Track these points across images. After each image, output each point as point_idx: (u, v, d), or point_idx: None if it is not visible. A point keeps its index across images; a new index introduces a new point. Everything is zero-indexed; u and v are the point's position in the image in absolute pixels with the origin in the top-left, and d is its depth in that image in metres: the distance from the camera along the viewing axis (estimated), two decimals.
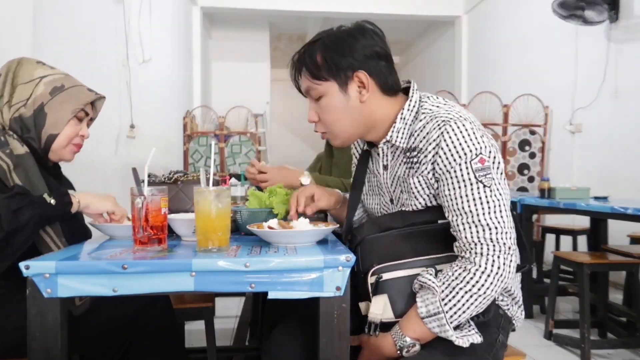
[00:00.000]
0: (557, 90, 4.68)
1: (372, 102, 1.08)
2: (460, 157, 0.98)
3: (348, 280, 0.93)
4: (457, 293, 0.97)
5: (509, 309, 1.13)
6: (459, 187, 0.99)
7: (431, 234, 1.07)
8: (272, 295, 0.92)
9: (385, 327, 1.03)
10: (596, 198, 2.90)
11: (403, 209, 1.12)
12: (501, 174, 1.02)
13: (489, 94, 5.23)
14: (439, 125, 1.01)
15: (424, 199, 1.07)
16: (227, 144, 5.65)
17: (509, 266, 0.98)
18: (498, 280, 0.97)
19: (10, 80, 1.24)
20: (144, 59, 4.08)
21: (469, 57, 6.54)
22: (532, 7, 5.01)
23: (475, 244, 0.97)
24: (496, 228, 0.97)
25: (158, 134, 4.57)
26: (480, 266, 0.96)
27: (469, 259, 0.98)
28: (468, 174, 0.98)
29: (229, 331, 2.77)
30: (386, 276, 1.04)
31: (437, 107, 1.07)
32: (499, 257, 0.97)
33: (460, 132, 0.99)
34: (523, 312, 1.17)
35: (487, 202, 0.97)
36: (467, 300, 0.97)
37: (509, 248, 0.97)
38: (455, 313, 0.98)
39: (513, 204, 3.22)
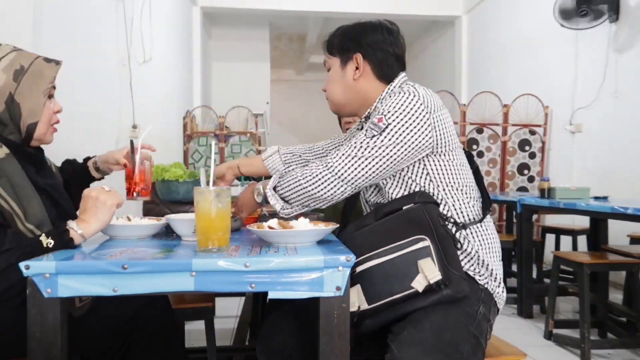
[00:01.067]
0: (557, 90, 4.68)
1: (365, 83, 1.29)
2: (378, 112, 1.17)
3: (348, 280, 0.93)
4: (294, 173, 1.20)
5: (487, 284, 1.18)
6: (358, 134, 1.20)
7: (397, 220, 1.14)
8: (272, 295, 0.92)
9: (364, 316, 1.07)
10: (596, 198, 2.90)
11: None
12: (399, 143, 1.13)
13: (489, 93, 5.23)
14: (395, 92, 1.20)
15: None
16: (227, 144, 5.65)
17: (324, 181, 1.15)
18: (309, 178, 1.16)
19: None
20: (145, 59, 4.09)
21: (469, 57, 6.54)
22: (532, 7, 5.01)
23: (325, 161, 1.17)
24: (340, 156, 1.15)
25: (158, 134, 4.57)
26: (311, 166, 1.18)
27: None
28: (368, 126, 1.17)
29: (229, 331, 2.77)
30: (359, 269, 1.09)
31: (412, 86, 1.21)
32: (322, 169, 1.15)
33: (398, 98, 1.16)
34: (504, 291, 1.22)
35: (354, 143, 1.15)
36: (292, 177, 1.19)
37: (334, 171, 1.14)
38: (281, 182, 1.21)
39: (513, 204, 3.22)
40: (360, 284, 1.08)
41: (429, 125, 1.14)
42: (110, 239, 1.20)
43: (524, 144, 5.05)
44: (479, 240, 1.20)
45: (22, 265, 0.87)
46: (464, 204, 1.21)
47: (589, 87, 4.23)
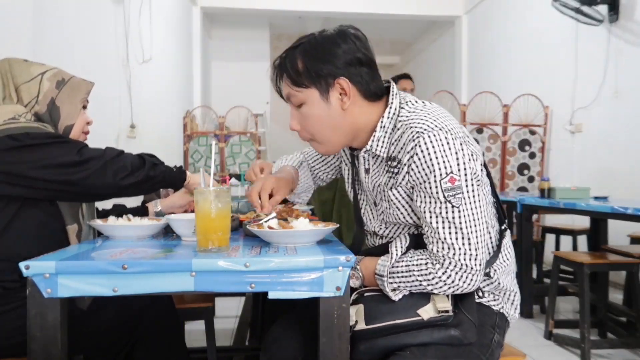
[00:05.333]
0: (557, 90, 4.68)
1: (354, 109, 1.06)
2: (430, 172, 0.97)
3: (348, 280, 0.93)
4: (409, 276, 1.01)
5: (502, 307, 1.13)
6: (428, 202, 0.99)
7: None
8: (272, 295, 0.92)
9: (360, 337, 1.02)
10: (596, 198, 2.90)
11: (383, 217, 1.14)
12: (476, 186, 0.99)
13: (489, 94, 5.23)
14: (413, 136, 0.99)
15: (405, 210, 1.08)
16: (227, 144, 5.65)
17: (466, 283, 0.99)
18: (448, 289, 1.00)
19: (10, 80, 1.26)
20: (144, 59, 4.09)
21: (469, 57, 6.55)
22: (532, 7, 5.01)
23: (441, 257, 0.99)
24: (459, 249, 0.98)
25: (158, 134, 4.57)
26: (437, 273, 0.99)
27: (435, 259, 1.00)
28: (437, 192, 0.97)
29: (229, 331, 2.77)
30: (368, 293, 1.06)
31: (414, 112, 1.04)
32: (457, 273, 0.98)
33: (433, 146, 0.96)
34: (517, 311, 1.17)
35: (454, 224, 0.97)
36: (412, 283, 1.02)
37: (471, 269, 0.98)
38: (397, 285, 1.03)
39: (513, 204, 3.22)
40: (363, 305, 1.03)
41: (476, 157, 1.01)
42: (110, 239, 1.20)
43: (524, 144, 5.06)
44: (497, 267, 1.12)
45: (22, 265, 0.87)
46: (488, 245, 1.10)
47: (589, 87, 4.23)
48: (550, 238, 3.91)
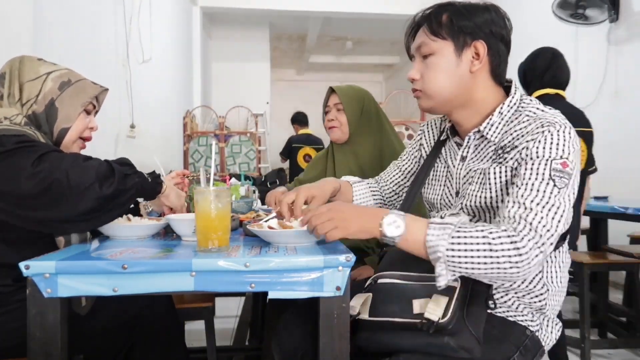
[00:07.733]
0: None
1: (479, 78, 1.06)
2: (544, 154, 0.94)
3: (348, 280, 0.93)
4: (472, 234, 0.89)
5: (538, 331, 1.05)
6: (530, 178, 0.94)
7: None
8: (272, 295, 0.92)
9: (362, 327, 1.00)
10: (596, 198, 2.90)
11: (463, 201, 1.08)
12: (573, 195, 0.95)
13: None
14: (542, 125, 0.97)
15: (495, 192, 1.02)
16: (227, 144, 5.66)
17: (530, 257, 0.87)
18: (513, 256, 0.87)
19: (17, 78, 1.24)
20: (144, 58, 4.09)
21: None
22: (531, 7, 5.01)
23: (513, 220, 0.91)
24: (541, 218, 0.89)
25: (158, 134, 4.57)
26: (505, 231, 0.89)
27: (499, 224, 0.92)
28: (545, 170, 0.93)
29: (229, 331, 2.77)
30: (381, 281, 1.03)
31: (543, 111, 1.03)
32: (529, 240, 0.88)
33: (559, 136, 0.95)
34: (559, 333, 1.09)
35: (549, 198, 0.91)
36: (477, 244, 0.88)
37: (542, 244, 0.88)
38: (459, 244, 0.88)
39: None
40: (373, 295, 1.00)
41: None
42: (110, 239, 1.20)
43: None
44: (550, 284, 1.05)
45: (22, 265, 0.87)
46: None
47: (589, 87, 4.23)
48: None
